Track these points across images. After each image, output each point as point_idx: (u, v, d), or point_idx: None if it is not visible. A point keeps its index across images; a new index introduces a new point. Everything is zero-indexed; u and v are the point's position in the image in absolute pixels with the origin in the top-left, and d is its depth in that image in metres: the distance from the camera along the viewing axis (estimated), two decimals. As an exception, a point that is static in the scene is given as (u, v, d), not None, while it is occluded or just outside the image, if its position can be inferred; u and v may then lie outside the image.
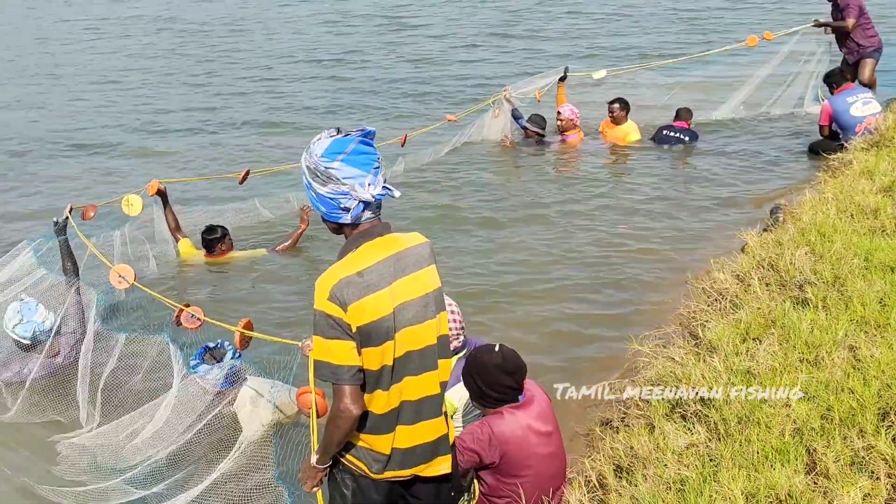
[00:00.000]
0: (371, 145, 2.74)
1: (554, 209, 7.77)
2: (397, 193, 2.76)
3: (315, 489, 3.04)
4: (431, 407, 2.92)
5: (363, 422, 2.82)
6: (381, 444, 2.86)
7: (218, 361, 4.55)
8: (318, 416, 3.10)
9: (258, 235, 7.55)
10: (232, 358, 4.59)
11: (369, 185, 2.67)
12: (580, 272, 6.51)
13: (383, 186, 2.72)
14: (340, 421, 2.76)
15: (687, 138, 9.08)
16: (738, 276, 4.84)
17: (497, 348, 3.60)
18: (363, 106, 12.01)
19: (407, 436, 2.88)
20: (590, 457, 3.84)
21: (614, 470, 3.62)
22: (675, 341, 4.69)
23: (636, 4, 18.00)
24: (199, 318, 4.30)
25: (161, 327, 4.99)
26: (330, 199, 2.68)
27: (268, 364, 4.47)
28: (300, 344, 3.38)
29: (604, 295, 6.16)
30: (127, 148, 10.67)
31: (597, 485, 3.64)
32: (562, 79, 9.77)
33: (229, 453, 4.20)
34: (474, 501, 3.76)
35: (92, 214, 5.99)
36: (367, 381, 2.75)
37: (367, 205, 2.70)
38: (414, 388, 2.83)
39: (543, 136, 9.56)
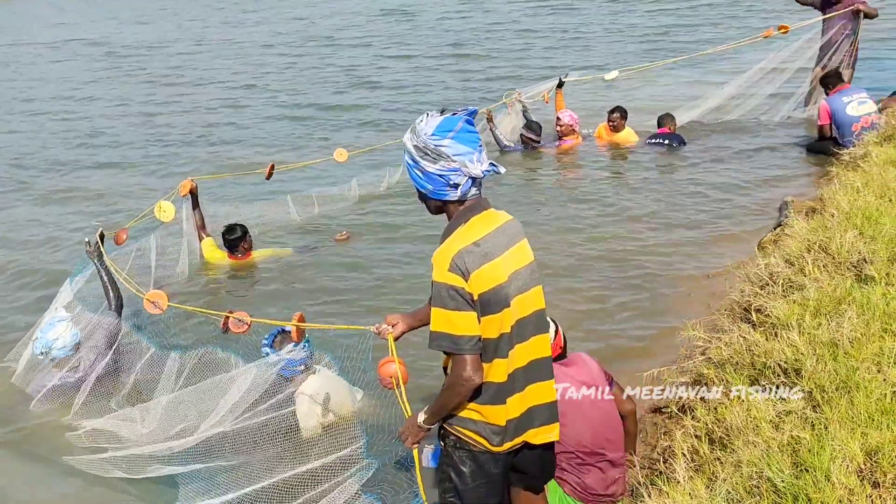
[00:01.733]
0: (474, 125, 2.85)
1: (558, 208, 7.91)
2: (503, 170, 2.88)
3: (414, 446, 3.13)
4: (542, 369, 3.00)
5: (478, 394, 2.87)
6: (498, 415, 2.91)
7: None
8: (402, 385, 3.20)
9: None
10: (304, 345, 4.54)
11: (477, 161, 2.78)
12: (596, 270, 6.57)
13: (490, 163, 2.82)
14: (460, 388, 2.81)
15: (667, 142, 9.28)
16: (788, 260, 4.99)
17: None
18: (327, 126, 12.04)
19: (518, 402, 2.94)
20: (678, 431, 3.91)
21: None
22: (724, 325, 4.81)
23: (586, 23, 18.48)
24: (245, 322, 4.29)
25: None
26: (439, 175, 2.77)
27: (342, 350, 4.42)
28: (373, 328, 3.40)
29: (626, 290, 6.19)
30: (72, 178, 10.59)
31: (690, 458, 3.71)
32: (559, 85, 9.94)
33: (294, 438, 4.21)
34: None
35: (125, 238, 5.91)
36: (485, 350, 2.81)
37: (473, 181, 2.80)
38: (522, 353, 2.91)
39: (538, 142, 9.69)
